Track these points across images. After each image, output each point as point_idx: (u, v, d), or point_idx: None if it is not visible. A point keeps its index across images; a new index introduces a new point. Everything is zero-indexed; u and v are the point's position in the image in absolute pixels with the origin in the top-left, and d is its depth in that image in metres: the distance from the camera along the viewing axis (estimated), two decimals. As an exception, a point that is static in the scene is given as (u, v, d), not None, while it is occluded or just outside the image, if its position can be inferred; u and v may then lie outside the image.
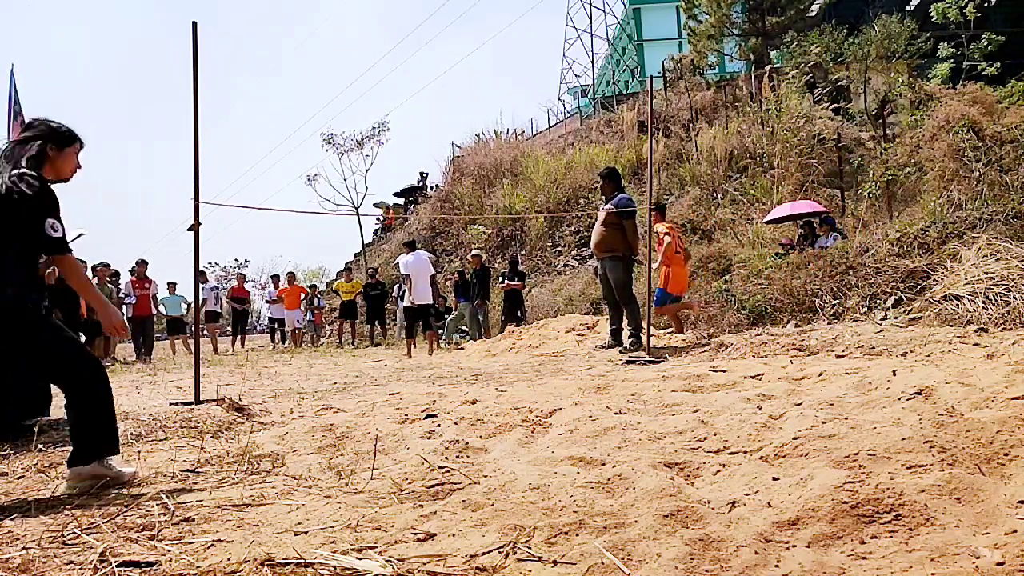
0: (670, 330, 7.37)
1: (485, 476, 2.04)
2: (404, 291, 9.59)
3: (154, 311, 11.14)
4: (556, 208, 16.08)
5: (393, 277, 16.07)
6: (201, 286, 13.73)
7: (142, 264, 11.05)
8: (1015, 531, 1.28)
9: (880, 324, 5.25)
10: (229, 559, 1.43)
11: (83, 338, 9.44)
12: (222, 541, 1.58)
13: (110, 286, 10.13)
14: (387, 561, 1.38)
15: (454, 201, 18.84)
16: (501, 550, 1.42)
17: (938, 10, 15.66)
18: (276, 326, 15.11)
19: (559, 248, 15.91)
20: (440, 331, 12.68)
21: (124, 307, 10.69)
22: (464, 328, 12.15)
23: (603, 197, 6.61)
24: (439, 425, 2.88)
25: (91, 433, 2.19)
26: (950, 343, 3.92)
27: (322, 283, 25.20)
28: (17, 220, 2.11)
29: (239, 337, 14.45)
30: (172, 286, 13.55)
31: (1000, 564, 1.17)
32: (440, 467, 2.18)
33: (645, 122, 15.57)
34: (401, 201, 24.83)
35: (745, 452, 2.05)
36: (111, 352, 9.87)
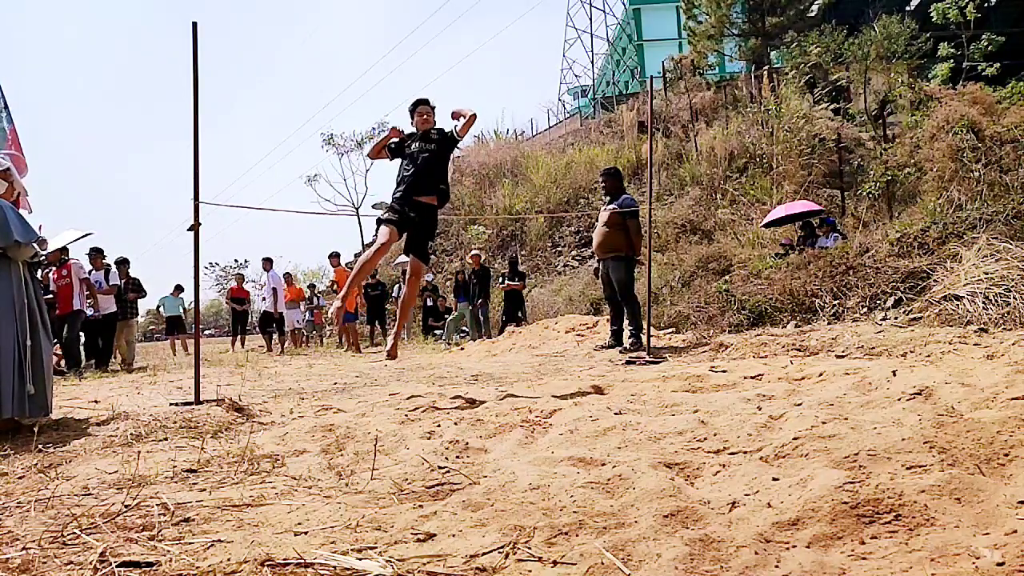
0: (671, 331, 7.38)
1: (485, 476, 2.04)
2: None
3: (78, 305, 8.32)
4: (556, 208, 16.08)
5: (393, 277, 16.07)
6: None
7: (57, 250, 8.06)
8: (1015, 531, 1.28)
9: (880, 324, 5.25)
10: (229, 559, 1.43)
11: (82, 338, 9.43)
12: (222, 541, 1.58)
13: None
14: (387, 561, 1.38)
15: (454, 201, 18.85)
16: (501, 550, 1.42)
17: (938, 10, 15.62)
18: (275, 325, 15.09)
19: (559, 248, 15.90)
20: (440, 331, 12.70)
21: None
22: (464, 328, 12.16)
23: (605, 197, 6.61)
24: (439, 425, 2.88)
25: None
26: (950, 343, 3.92)
27: (322, 283, 25.15)
28: None
29: (239, 337, 14.47)
30: (178, 288, 13.65)
31: (1000, 564, 1.16)
32: (440, 467, 2.18)
33: (645, 122, 15.56)
34: None
35: (745, 452, 2.05)
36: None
